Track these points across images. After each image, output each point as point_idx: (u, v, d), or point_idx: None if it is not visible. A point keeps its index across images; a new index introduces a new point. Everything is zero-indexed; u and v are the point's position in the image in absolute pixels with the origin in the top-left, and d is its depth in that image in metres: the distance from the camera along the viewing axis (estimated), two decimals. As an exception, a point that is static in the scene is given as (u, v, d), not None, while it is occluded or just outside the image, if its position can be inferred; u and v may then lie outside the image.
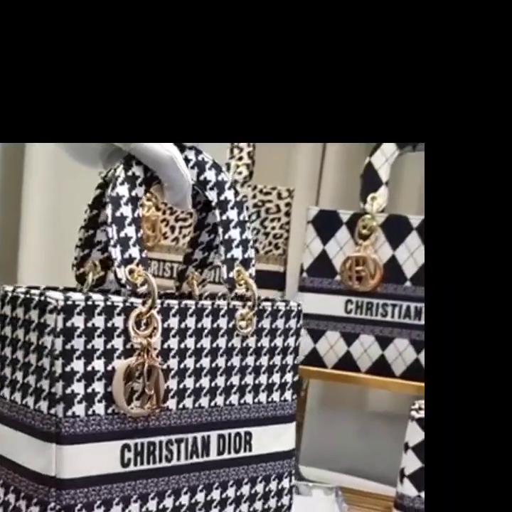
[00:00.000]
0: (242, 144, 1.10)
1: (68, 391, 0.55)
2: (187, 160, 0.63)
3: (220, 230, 0.65)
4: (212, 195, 0.65)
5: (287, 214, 1.09)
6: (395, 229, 1.02)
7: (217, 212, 0.65)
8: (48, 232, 1.50)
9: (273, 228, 1.09)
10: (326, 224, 1.05)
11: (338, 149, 1.34)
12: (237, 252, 0.65)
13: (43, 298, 0.55)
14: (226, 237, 0.65)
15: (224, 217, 0.65)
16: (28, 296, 0.57)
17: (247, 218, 0.66)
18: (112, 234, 0.59)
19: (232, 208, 0.65)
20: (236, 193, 0.65)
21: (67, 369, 0.55)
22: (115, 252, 0.58)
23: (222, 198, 0.65)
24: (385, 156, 1.04)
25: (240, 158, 1.10)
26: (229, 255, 0.65)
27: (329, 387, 1.36)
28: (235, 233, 0.65)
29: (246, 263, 0.65)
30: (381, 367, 1.03)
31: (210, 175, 0.64)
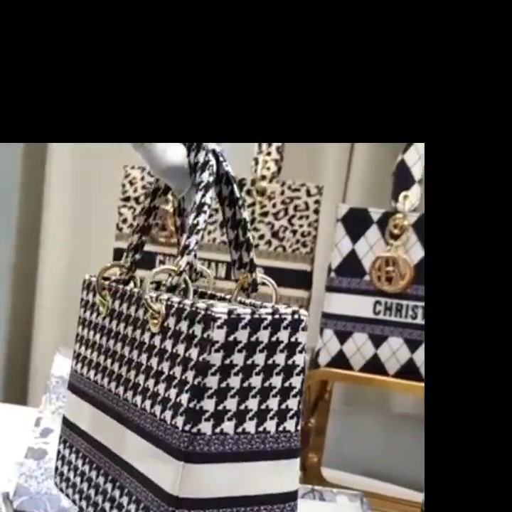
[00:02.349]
0: (271, 139, 1.07)
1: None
2: (191, 144, 0.61)
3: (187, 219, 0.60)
4: (195, 178, 0.61)
5: (316, 211, 1.06)
6: (428, 229, 1.00)
7: (192, 198, 0.60)
8: (69, 231, 1.49)
9: (301, 226, 1.06)
10: (356, 222, 1.02)
11: (368, 145, 1.32)
12: (182, 239, 0.59)
13: (208, 312, 0.53)
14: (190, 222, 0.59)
15: (192, 204, 0.59)
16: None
17: (209, 202, 0.58)
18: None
19: (199, 191, 0.59)
20: (211, 175, 0.59)
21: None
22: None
23: (196, 180, 0.60)
24: (418, 154, 1.01)
25: (269, 153, 1.07)
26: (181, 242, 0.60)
27: (353, 388, 1.34)
28: (188, 220, 0.59)
29: (182, 250, 0.58)
30: (409, 370, 1.01)
31: (201, 157, 0.60)
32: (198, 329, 0.53)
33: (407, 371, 1.01)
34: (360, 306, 1.02)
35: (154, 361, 0.57)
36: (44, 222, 1.49)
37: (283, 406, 0.55)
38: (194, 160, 0.60)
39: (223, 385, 0.53)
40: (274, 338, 0.54)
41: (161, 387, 0.56)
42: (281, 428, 0.55)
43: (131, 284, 0.67)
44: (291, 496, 0.56)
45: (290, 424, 0.56)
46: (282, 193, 1.07)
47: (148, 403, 0.57)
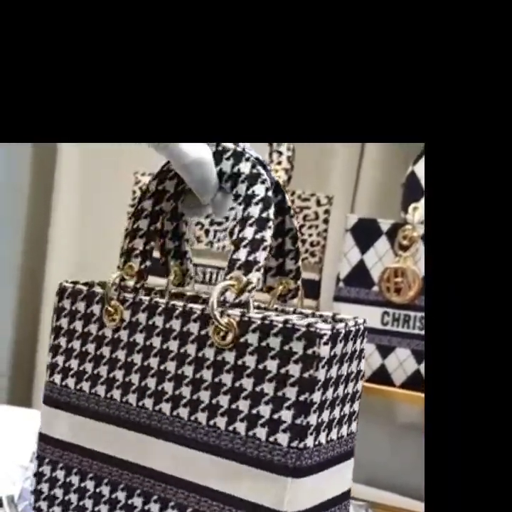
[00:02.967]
0: (282, 149, 1.08)
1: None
2: (223, 151, 0.60)
3: (237, 229, 0.58)
4: (241, 189, 0.59)
5: (325, 221, 1.07)
6: (437, 241, 1.00)
7: (241, 208, 0.59)
8: (77, 234, 1.50)
9: (310, 235, 1.06)
10: (365, 233, 1.02)
11: (376, 156, 1.32)
12: (242, 253, 0.58)
13: (312, 329, 0.54)
14: (240, 235, 0.58)
15: (245, 214, 0.59)
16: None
17: (271, 216, 0.58)
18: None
19: (256, 204, 0.59)
20: (268, 188, 0.59)
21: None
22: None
23: (249, 191, 0.59)
24: (428, 166, 1.02)
25: (279, 163, 1.07)
26: (235, 256, 0.58)
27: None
28: (248, 232, 0.58)
29: (248, 266, 0.57)
30: (416, 382, 1.01)
31: (244, 167, 0.60)
32: (297, 346, 0.54)
33: (414, 382, 1.01)
34: (368, 316, 1.01)
35: (227, 377, 0.56)
36: (52, 225, 1.49)
37: (352, 410, 0.59)
38: (233, 169, 0.60)
39: (323, 398, 0.55)
40: (353, 348, 0.57)
41: (243, 403, 0.56)
42: (349, 431, 0.59)
43: (145, 294, 0.65)
44: (348, 494, 0.61)
45: (354, 426, 0.60)
46: (292, 202, 1.07)
47: (221, 420, 0.57)
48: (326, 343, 0.53)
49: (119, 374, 0.62)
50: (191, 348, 0.58)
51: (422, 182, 1.02)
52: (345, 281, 1.03)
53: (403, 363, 1.01)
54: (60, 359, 0.66)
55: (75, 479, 0.65)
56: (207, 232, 1.10)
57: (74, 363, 0.65)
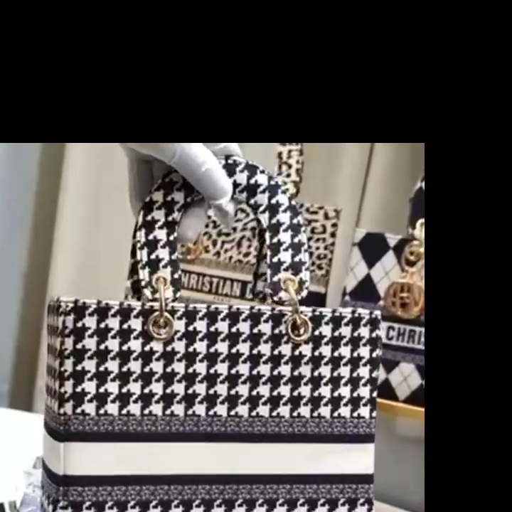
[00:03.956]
0: (292, 161, 1.08)
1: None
2: (235, 164, 0.62)
3: (268, 235, 0.62)
4: (262, 199, 0.63)
5: (333, 235, 1.07)
6: (443, 257, 1.00)
7: (266, 215, 0.63)
8: (82, 238, 1.50)
9: (317, 248, 1.07)
10: (372, 247, 1.03)
11: (383, 171, 1.32)
12: (285, 256, 0.62)
13: (373, 315, 0.63)
14: (274, 240, 0.62)
15: (274, 221, 0.63)
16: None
17: (302, 222, 0.63)
18: (140, 257, 0.61)
19: (284, 211, 0.63)
20: (290, 198, 0.64)
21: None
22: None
23: (273, 201, 0.63)
24: (437, 182, 1.02)
25: (288, 175, 1.08)
26: (275, 259, 0.62)
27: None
28: (284, 236, 0.62)
29: (296, 266, 0.62)
30: (420, 397, 1.01)
31: (261, 178, 0.63)
32: (364, 331, 0.63)
33: (418, 397, 1.01)
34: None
35: (306, 369, 0.62)
36: (57, 229, 1.49)
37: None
38: (249, 181, 0.63)
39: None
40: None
41: (324, 389, 0.62)
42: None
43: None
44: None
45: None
46: (300, 214, 1.07)
47: (305, 409, 0.62)
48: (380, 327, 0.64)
49: (179, 387, 0.60)
50: (265, 348, 0.61)
51: (430, 198, 1.03)
52: (351, 295, 1.04)
53: (407, 378, 1.02)
54: (89, 386, 0.58)
55: None
56: (214, 242, 1.11)
57: (113, 387, 0.59)
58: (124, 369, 0.59)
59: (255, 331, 0.61)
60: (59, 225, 1.49)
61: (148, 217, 0.62)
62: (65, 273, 1.49)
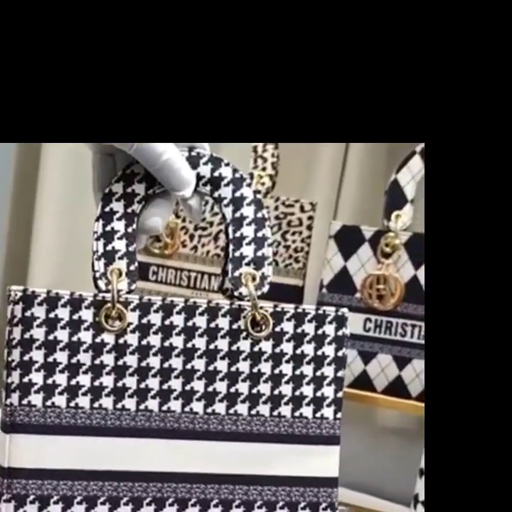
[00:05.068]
0: (267, 155, 1.09)
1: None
2: (199, 157, 0.61)
3: (231, 229, 0.61)
4: (226, 192, 0.61)
5: (309, 228, 1.07)
6: (419, 248, 1.01)
7: (230, 209, 0.61)
8: (62, 229, 1.49)
9: (294, 241, 1.07)
10: (348, 240, 1.03)
11: (359, 164, 1.33)
12: (247, 250, 0.61)
13: (339, 313, 0.63)
14: (237, 234, 0.61)
15: (237, 215, 0.61)
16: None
17: (267, 216, 0.62)
18: (96, 247, 0.59)
19: (248, 205, 0.61)
20: (256, 191, 0.62)
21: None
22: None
23: (237, 194, 0.61)
24: (411, 173, 1.03)
25: (264, 169, 1.08)
26: (237, 253, 0.61)
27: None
28: (247, 230, 0.61)
29: (259, 261, 0.61)
30: (397, 387, 1.02)
31: (225, 171, 0.62)
32: (329, 329, 0.61)
33: (395, 388, 1.02)
34: (351, 322, 1.00)
35: (265, 366, 0.60)
36: (34, 233, 1.48)
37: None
38: (213, 173, 0.61)
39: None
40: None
41: (286, 388, 0.60)
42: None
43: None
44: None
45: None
46: (276, 208, 1.08)
47: (264, 407, 0.60)
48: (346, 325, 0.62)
49: (130, 381, 0.59)
50: (222, 343, 0.59)
51: (405, 190, 1.03)
52: (328, 287, 1.04)
53: (385, 369, 1.02)
54: (36, 377, 0.57)
55: (80, 509, 0.58)
56: (191, 237, 1.11)
57: (61, 379, 0.58)
58: (74, 360, 0.58)
59: (212, 325, 0.59)
60: (35, 232, 1.48)
61: (107, 209, 0.60)
62: (44, 270, 1.48)
